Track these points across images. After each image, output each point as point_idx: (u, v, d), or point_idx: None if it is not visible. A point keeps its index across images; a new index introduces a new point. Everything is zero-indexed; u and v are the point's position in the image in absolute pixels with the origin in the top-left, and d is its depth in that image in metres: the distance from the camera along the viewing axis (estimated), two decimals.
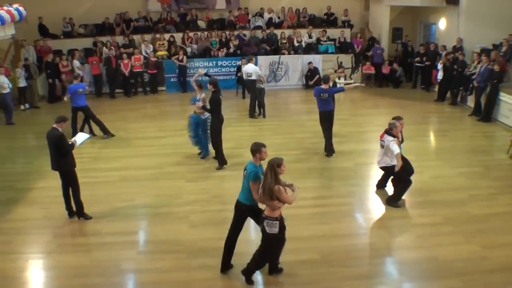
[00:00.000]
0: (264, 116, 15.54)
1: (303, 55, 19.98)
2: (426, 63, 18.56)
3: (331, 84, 12.32)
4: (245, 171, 6.84)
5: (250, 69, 15.47)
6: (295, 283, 6.94)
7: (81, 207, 8.88)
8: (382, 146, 9.17)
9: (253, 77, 15.38)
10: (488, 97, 14.64)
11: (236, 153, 12.10)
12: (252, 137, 13.43)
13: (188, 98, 18.17)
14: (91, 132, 13.44)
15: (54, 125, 8.52)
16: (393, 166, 8.99)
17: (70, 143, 8.64)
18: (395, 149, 8.82)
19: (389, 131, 9.05)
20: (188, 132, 11.94)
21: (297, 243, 7.75)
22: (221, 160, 11.30)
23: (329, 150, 11.83)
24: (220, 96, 10.99)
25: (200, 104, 11.19)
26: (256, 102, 15.58)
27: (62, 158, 8.54)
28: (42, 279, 7.26)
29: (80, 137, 9.15)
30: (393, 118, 9.33)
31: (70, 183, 8.76)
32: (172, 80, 19.63)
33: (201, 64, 19.58)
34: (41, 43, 19.16)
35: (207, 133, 11.54)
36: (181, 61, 19.10)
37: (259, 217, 6.72)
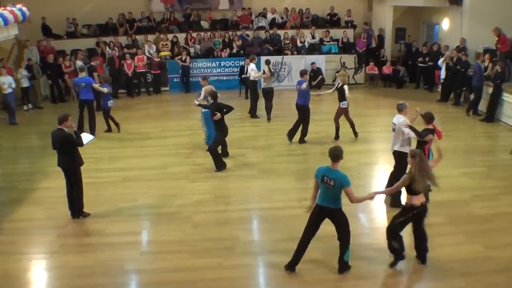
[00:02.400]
0: (268, 119, 15.30)
1: (306, 56, 19.97)
2: (429, 63, 18.53)
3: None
4: (331, 180, 6.69)
5: (249, 69, 15.69)
6: (298, 283, 6.94)
7: (81, 206, 8.90)
8: (393, 130, 9.02)
9: (251, 78, 15.53)
10: (491, 98, 14.61)
11: (239, 153, 12.13)
12: (255, 138, 13.52)
13: (191, 98, 18.23)
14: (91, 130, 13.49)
15: (59, 126, 8.50)
16: (406, 154, 8.84)
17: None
18: (406, 131, 8.68)
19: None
20: (204, 131, 12.12)
21: None
22: (219, 164, 11.21)
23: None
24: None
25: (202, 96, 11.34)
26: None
27: (68, 156, 8.56)
28: (45, 279, 7.28)
29: (84, 138, 9.09)
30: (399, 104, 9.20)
31: (74, 183, 8.75)
32: (175, 80, 19.65)
33: (204, 64, 19.64)
34: (44, 43, 19.19)
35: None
36: (184, 61, 19.12)
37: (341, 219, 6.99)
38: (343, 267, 7.06)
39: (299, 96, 12.70)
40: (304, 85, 12.43)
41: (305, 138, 12.81)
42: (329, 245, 7.29)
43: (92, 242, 8.25)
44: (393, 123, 9.05)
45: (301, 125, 12.75)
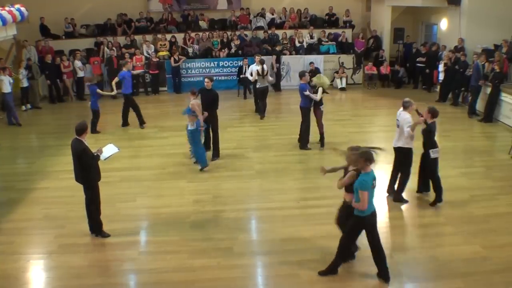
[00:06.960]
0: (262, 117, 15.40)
1: (305, 56, 19.94)
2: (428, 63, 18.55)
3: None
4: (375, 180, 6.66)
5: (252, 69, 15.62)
6: (297, 283, 6.93)
7: (99, 225, 8.27)
8: (397, 126, 9.02)
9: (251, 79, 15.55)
10: (489, 98, 14.63)
11: (238, 153, 12.13)
12: (254, 138, 13.51)
13: (183, 98, 18.09)
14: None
15: (77, 137, 7.82)
16: (408, 150, 8.97)
17: (95, 154, 7.97)
18: (406, 131, 8.75)
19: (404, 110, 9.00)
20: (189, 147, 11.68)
21: (299, 244, 7.77)
22: (216, 152, 11.74)
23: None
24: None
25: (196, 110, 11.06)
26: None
27: (84, 170, 7.90)
28: (43, 280, 7.27)
29: (108, 150, 8.42)
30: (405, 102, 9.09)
31: (89, 199, 8.07)
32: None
33: (203, 64, 19.63)
34: (42, 43, 19.16)
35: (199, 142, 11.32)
36: (177, 62, 19.05)
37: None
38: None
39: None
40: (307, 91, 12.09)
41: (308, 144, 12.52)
42: (329, 245, 7.28)
43: (90, 242, 8.23)
44: (397, 119, 9.04)
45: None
